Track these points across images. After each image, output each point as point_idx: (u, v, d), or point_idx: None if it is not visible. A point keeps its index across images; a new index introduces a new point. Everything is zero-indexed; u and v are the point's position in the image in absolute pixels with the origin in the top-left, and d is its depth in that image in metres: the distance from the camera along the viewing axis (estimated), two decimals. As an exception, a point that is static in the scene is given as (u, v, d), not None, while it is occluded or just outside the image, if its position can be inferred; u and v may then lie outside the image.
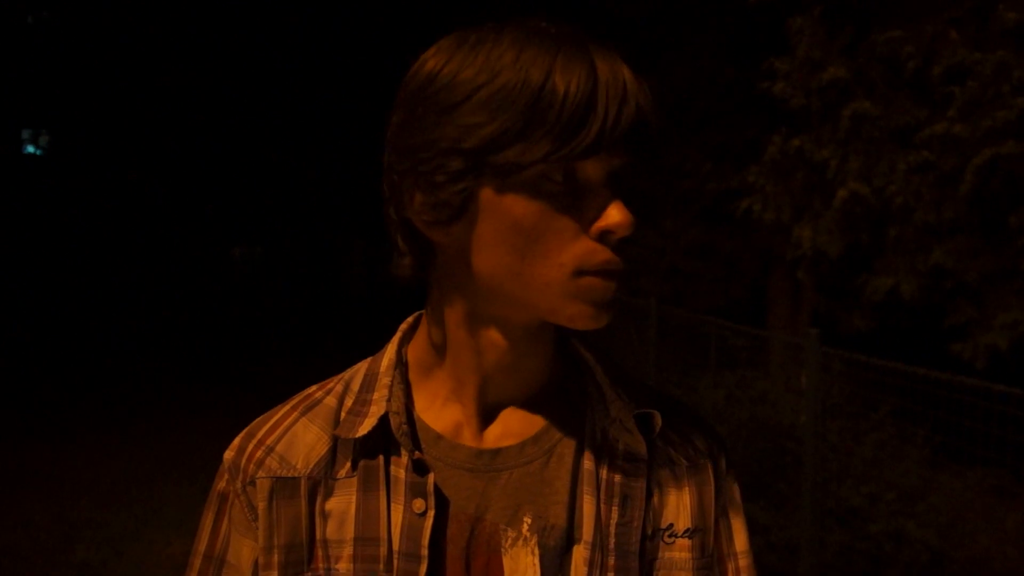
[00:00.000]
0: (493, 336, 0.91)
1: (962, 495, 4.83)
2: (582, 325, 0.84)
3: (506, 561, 0.89)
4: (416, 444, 0.92)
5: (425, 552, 0.86)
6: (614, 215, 0.80)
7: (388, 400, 0.92)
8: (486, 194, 0.82)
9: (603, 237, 0.81)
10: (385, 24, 21.27)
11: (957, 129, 5.89)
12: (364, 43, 22.92)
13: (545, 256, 0.81)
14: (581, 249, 0.81)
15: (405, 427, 0.91)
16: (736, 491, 1.03)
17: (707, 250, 11.14)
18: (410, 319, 1.02)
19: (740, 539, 1.02)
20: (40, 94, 24.69)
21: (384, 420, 0.91)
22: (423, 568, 0.86)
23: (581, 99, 0.77)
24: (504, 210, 0.81)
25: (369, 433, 0.90)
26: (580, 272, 0.81)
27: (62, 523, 5.96)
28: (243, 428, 0.99)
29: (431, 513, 0.87)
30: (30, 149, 26.95)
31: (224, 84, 24.84)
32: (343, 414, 0.94)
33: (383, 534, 0.88)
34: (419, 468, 0.89)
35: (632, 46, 11.04)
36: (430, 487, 0.88)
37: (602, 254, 0.81)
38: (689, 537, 0.95)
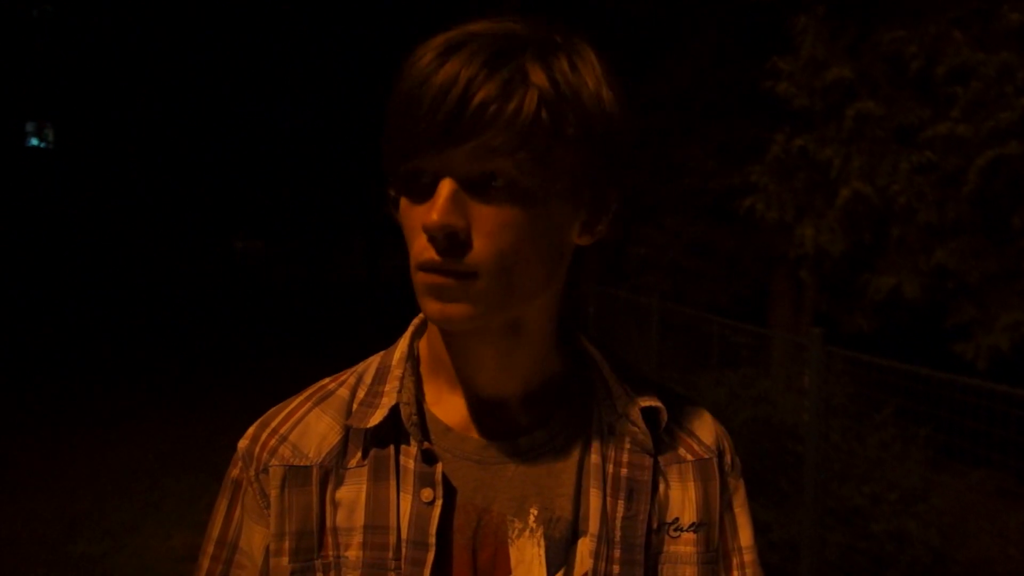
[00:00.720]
0: (473, 332, 0.92)
1: (964, 496, 4.83)
2: (434, 320, 0.86)
3: (512, 552, 0.90)
4: (425, 435, 0.93)
5: (433, 540, 0.88)
6: (429, 214, 0.81)
7: (399, 392, 0.94)
8: (399, 195, 0.88)
9: (429, 235, 0.82)
10: (391, 20, 21.27)
11: (960, 129, 5.89)
12: (370, 39, 22.93)
13: (408, 252, 0.86)
14: (417, 246, 0.84)
15: (415, 418, 0.92)
16: (741, 486, 1.04)
17: (709, 248, 11.14)
18: (421, 314, 1.03)
19: (745, 534, 1.03)
20: (44, 88, 24.73)
21: (395, 411, 0.93)
22: (430, 556, 0.87)
23: (411, 100, 0.81)
24: (401, 210, 0.87)
25: (380, 424, 0.92)
26: (418, 267, 0.84)
27: (63, 516, 5.97)
28: (244, 420, 1.01)
29: (439, 502, 0.89)
30: (34, 142, 26.98)
31: (229, 79, 24.87)
32: (355, 405, 0.96)
33: (392, 522, 0.89)
34: (428, 458, 0.90)
35: (636, 44, 11.07)
36: (438, 477, 0.89)
37: (427, 252, 0.82)
38: (694, 531, 0.96)
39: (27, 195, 24.65)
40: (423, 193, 0.83)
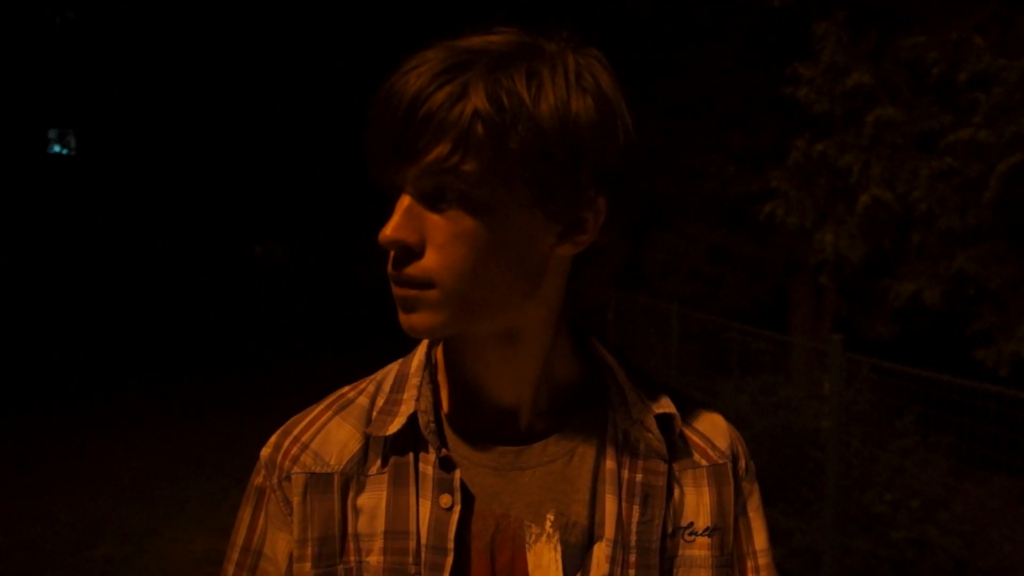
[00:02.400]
0: (463, 345, 0.96)
1: (987, 503, 4.81)
2: (403, 329, 0.89)
3: (530, 557, 0.91)
4: (443, 442, 0.94)
5: (451, 545, 0.89)
6: (383, 228, 0.84)
7: (417, 400, 0.95)
8: None
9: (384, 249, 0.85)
10: (418, 26, 21.34)
11: (982, 135, 5.86)
12: (393, 45, 22.98)
13: None
14: (389, 259, 0.86)
15: (433, 425, 0.93)
16: (756, 490, 1.05)
17: (729, 254, 11.11)
18: None
19: (759, 538, 1.03)
20: (66, 94, 24.89)
21: (413, 419, 0.94)
22: (449, 561, 0.88)
23: (371, 118, 0.84)
24: None
25: (399, 431, 0.93)
26: (390, 279, 0.87)
27: (84, 519, 6.02)
28: (265, 424, 1.02)
29: (457, 508, 0.90)
30: (56, 148, 27.14)
31: (250, 85, 24.97)
32: (375, 413, 0.97)
33: (412, 528, 0.90)
34: (446, 465, 0.91)
35: (657, 50, 11.06)
36: (456, 483, 0.90)
37: (389, 264, 0.86)
38: (709, 535, 0.97)
39: (49, 201, 24.81)
40: (392, 207, 0.86)
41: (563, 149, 0.83)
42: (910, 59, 6.57)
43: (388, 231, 0.83)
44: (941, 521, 4.64)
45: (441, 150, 0.80)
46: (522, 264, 0.88)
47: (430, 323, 0.86)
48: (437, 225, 0.84)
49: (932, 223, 6.46)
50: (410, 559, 0.89)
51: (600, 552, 0.92)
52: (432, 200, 0.84)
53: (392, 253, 0.85)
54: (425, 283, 0.84)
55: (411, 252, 0.84)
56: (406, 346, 1.07)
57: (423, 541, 0.90)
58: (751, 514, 1.03)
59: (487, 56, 0.83)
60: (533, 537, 0.92)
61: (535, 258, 0.89)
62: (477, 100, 0.80)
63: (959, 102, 6.24)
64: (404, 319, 0.87)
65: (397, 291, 0.86)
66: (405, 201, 0.84)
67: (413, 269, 0.84)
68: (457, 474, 0.91)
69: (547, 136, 0.82)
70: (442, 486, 0.91)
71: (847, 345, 4.52)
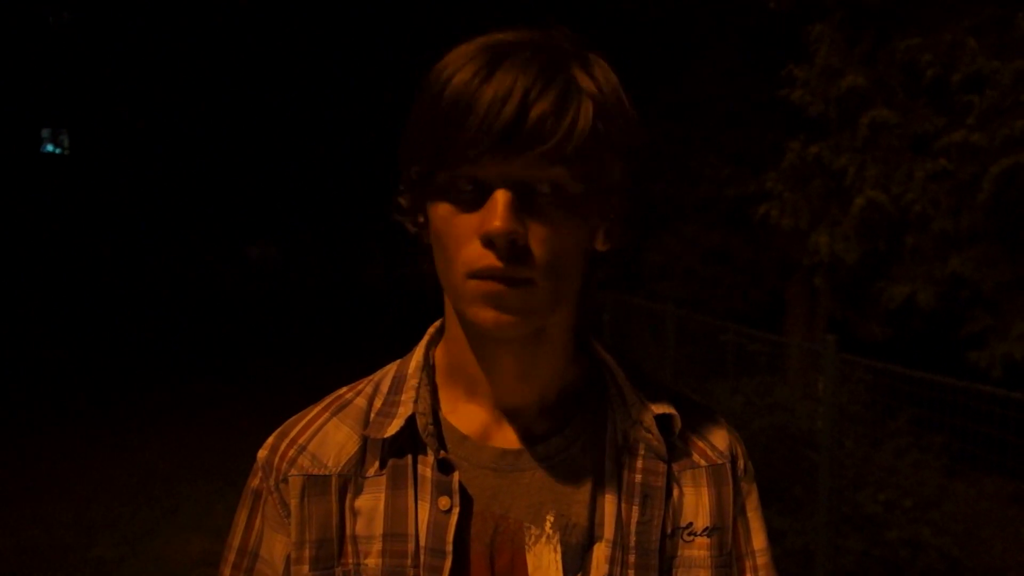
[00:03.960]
0: (482, 343, 0.94)
1: (979, 503, 4.83)
2: (488, 330, 0.85)
3: (529, 558, 0.92)
4: (442, 444, 0.95)
5: (450, 548, 0.89)
6: (491, 221, 0.80)
7: (415, 402, 0.95)
8: (428, 203, 0.87)
9: (488, 242, 0.82)
10: (410, 29, 21.31)
11: (975, 138, 5.87)
12: (388, 43, 22.96)
13: (451, 260, 0.85)
14: (471, 253, 0.83)
15: (431, 428, 0.93)
16: (754, 490, 1.06)
17: (725, 256, 11.13)
18: (437, 323, 1.05)
19: (758, 538, 1.04)
20: (60, 94, 24.85)
21: (411, 421, 0.94)
22: (448, 563, 0.89)
23: (462, 106, 0.80)
24: (431, 217, 0.87)
25: (397, 433, 0.93)
26: (470, 275, 0.83)
27: (80, 521, 6.00)
28: (260, 426, 1.02)
29: (456, 510, 0.90)
30: (49, 148, 27.10)
31: (244, 86, 24.93)
32: (372, 415, 0.97)
33: (411, 530, 0.90)
34: (444, 467, 0.92)
35: (653, 52, 11.07)
36: (455, 485, 0.91)
37: (486, 258, 0.82)
38: (708, 535, 0.97)
39: (42, 201, 24.76)
40: (471, 201, 0.83)
41: (638, 144, 0.87)
42: (904, 61, 6.59)
43: (501, 223, 0.79)
44: (934, 521, 4.65)
45: (555, 146, 0.80)
46: (584, 261, 0.90)
47: (522, 321, 0.84)
48: (536, 220, 0.83)
49: (926, 225, 6.48)
50: (408, 561, 0.90)
51: (600, 553, 0.92)
52: (528, 195, 0.83)
53: (472, 248, 0.83)
54: (525, 279, 0.83)
55: (517, 246, 0.82)
56: (401, 346, 1.08)
57: (422, 544, 0.90)
58: (750, 514, 1.04)
59: (569, 52, 0.85)
60: (533, 538, 0.92)
61: (589, 255, 0.91)
62: (592, 95, 0.82)
63: (953, 104, 6.25)
64: (492, 316, 0.83)
65: (492, 287, 0.82)
66: (504, 196, 0.81)
67: (517, 264, 0.82)
68: (456, 476, 0.91)
69: (632, 131, 0.86)
70: (440, 488, 0.91)
71: (841, 346, 4.53)
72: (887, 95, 6.78)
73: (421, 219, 0.91)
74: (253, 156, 26.01)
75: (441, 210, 0.85)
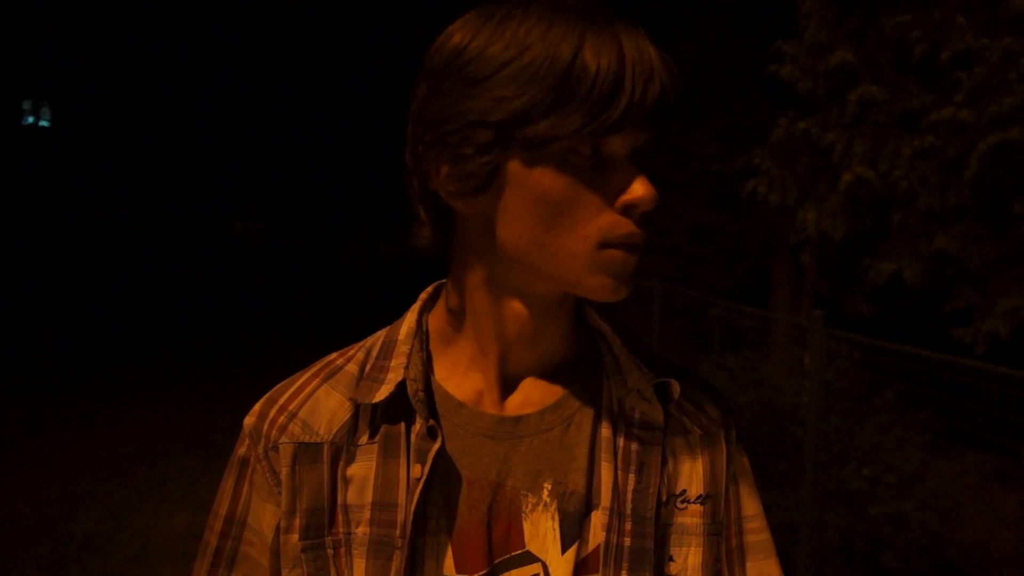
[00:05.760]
0: (514, 306, 0.92)
1: (961, 479, 4.86)
2: (604, 297, 0.85)
3: (526, 525, 0.91)
4: (432, 411, 0.93)
5: (405, 517, 0.88)
6: (639, 189, 0.82)
7: (406, 368, 0.93)
8: (514, 166, 0.83)
9: (627, 211, 0.82)
10: (389, 6, 21.20)
11: (963, 115, 5.88)
12: (371, 20, 22.84)
13: (571, 228, 0.83)
14: (605, 222, 0.83)
15: (421, 394, 0.92)
16: (745, 459, 1.06)
17: (712, 231, 11.15)
18: (430, 288, 1.04)
19: (750, 504, 1.04)
20: (41, 66, 24.65)
21: (402, 387, 0.92)
22: (400, 519, 0.89)
23: (610, 75, 0.78)
24: (532, 182, 0.82)
25: (389, 400, 0.92)
26: (604, 244, 0.83)
27: (65, 495, 5.99)
28: (244, 400, 0.99)
29: (422, 480, 0.88)
30: (30, 120, 26.90)
31: (229, 60, 24.79)
32: (362, 381, 0.95)
33: (401, 500, 0.89)
34: (432, 434, 0.90)
35: (641, 24, 11.14)
36: (431, 455, 0.89)
37: (626, 227, 0.83)
38: (701, 503, 0.97)
39: (23, 174, 24.60)
40: (591, 168, 0.83)
41: None
42: (893, 38, 6.59)
43: (649, 190, 0.82)
44: (917, 497, 4.68)
45: (669, 114, 0.83)
46: None
47: (632, 285, 0.87)
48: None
49: (913, 202, 6.49)
50: (397, 532, 0.88)
51: (597, 520, 0.91)
52: (638, 164, 0.85)
53: (606, 216, 0.83)
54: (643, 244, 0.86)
55: (650, 213, 0.84)
56: (382, 318, 1.06)
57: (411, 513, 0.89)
58: (741, 482, 1.04)
59: (636, 23, 0.85)
60: (530, 506, 0.92)
61: None
62: (673, 72, 0.83)
63: (941, 81, 6.26)
64: (612, 284, 0.85)
65: (627, 255, 0.85)
66: (631, 165, 0.84)
67: (646, 230, 0.84)
68: (435, 445, 0.89)
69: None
70: (419, 456, 0.89)
71: (828, 322, 4.54)
72: (876, 72, 6.79)
73: (471, 186, 0.85)
74: (239, 131, 25.89)
75: (550, 178, 0.82)
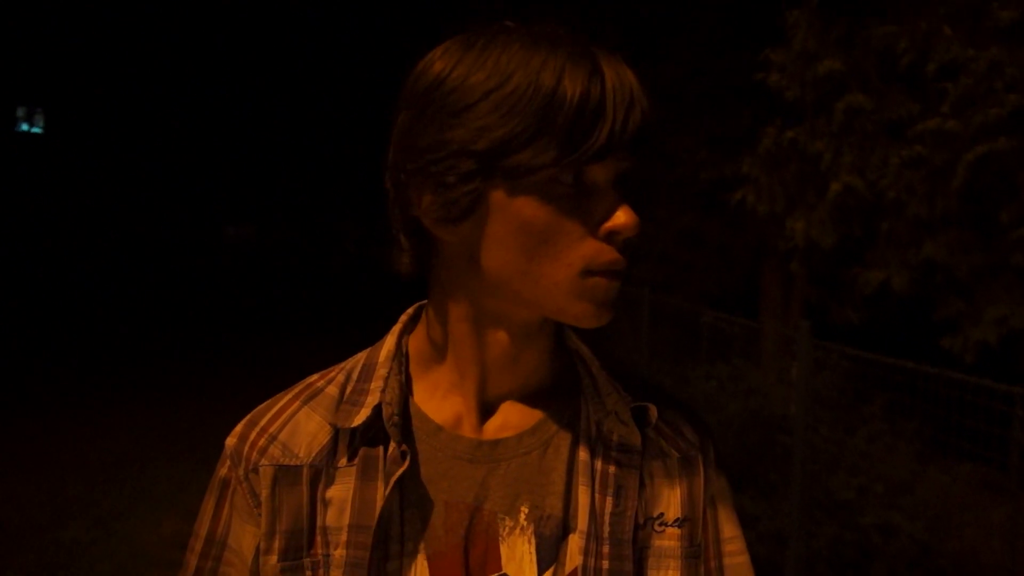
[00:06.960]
0: (495, 332, 0.93)
1: (950, 489, 4.87)
2: (586, 324, 0.86)
3: (503, 549, 0.91)
4: (409, 435, 0.94)
5: (365, 538, 0.89)
6: (621, 217, 0.83)
7: (383, 391, 0.94)
8: (496, 195, 0.83)
9: (609, 238, 0.83)
10: (383, 14, 21.21)
11: (950, 125, 5.90)
12: (363, 32, 22.86)
13: (554, 256, 0.83)
14: (589, 250, 0.83)
15: (396, 418, 0.92)
16: (724, 481, 1.05)
17: (699, 239, 11.14)
18: (410, 310, 1.04)
19: (728, 526, 1.04)
20: (35, 73, 24.61)
21: (378, 411, 0.92)
22: (369, 541, 0.88)
23: (592, 104, 0.79)
24: (514, 211, 0.83)
25: (367, 423, 0.92)
26: (587, 272, 0.84)
27: (53, 502, 5.98)
28: (233, 407, 1.00)
29: (379, 504, 0.89)
30: (24, 127, 26.84)
31: (221, 66, 24.78)
32: (342, 404, 0.96)
33: (375, 522, 0.89)
34: (403, 458, 0.90)
35: (629, 33, 11.07)
36: (394, 478, 0.89)
37: (608, 254, 0.84)
38: (679, 526, 0.97)
39: (16, 180, 24.55)
40: (572, 196, 0.83)
41: None
42: (880, 48, 6.61)
43: (632, 218, 0.84)
44: (906, 506, 4.69)
45: (647, 144, 0.84)
46: None
47: (613, 311, 0.88)
48: None
49: (901, 211, 6.51)
50: (370, 554, 0.88)
51: (574, 544, 0.91)
52: (620, 190, 0.86)
53: (590, 244, 0.84)
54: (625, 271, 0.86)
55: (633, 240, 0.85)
56: (376, 327, 1.06)
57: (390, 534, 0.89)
58: (719, 504, 1.04)
59: (614, 51, 0.87)
60: (507, 530, 0.92)
61: None
62: (650, 97, 0.85)
63: (928, 91, 6.28)
64: (595, 311, 0.86)
65: (610, 282, 0.86)
66: (613, 192, 0.85)
67: (627, 257, 0.85)
68: (400, 469, 0.89)
69: None
70: (386, 479, 0.90)
71: (816, 331, 4.55)
72: (863, 81, 6.81)
73: (454, 214, 0.85)
74: (230, 136, 25.87)
75: (533, 207, 0.83)
